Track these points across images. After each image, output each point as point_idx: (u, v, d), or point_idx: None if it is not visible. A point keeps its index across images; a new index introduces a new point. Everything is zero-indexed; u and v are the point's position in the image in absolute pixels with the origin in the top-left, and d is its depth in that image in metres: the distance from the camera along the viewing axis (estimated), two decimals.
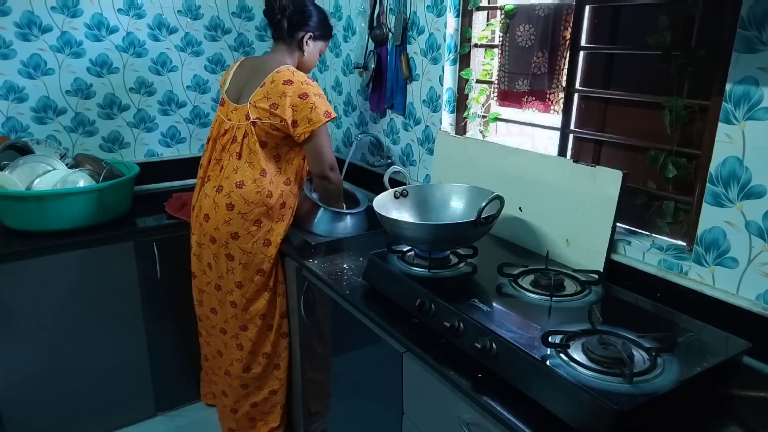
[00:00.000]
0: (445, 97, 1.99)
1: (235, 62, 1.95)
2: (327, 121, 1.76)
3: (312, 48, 1.91)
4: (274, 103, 1.73)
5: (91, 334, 2.10)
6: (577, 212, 1.49)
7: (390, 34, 2.16)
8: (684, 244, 1.40)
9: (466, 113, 2.00)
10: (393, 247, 1.56)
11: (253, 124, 1.75)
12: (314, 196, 2.00)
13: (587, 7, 1.56)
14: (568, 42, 1.60)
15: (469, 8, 1.91)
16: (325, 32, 1.93)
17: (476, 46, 1.94)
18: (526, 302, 1.28)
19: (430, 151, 2.09)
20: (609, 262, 1.44)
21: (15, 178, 1.97)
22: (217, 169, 1.85)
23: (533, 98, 1.72)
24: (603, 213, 1.42)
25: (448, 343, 1.25)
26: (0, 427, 1.98)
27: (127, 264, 2.11)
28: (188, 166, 2.59)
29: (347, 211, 2.01)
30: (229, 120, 1.82)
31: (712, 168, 1.24)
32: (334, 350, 1.76)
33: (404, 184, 1.72)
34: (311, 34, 1.87)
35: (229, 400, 2.00)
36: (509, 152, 1.69)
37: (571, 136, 1.67)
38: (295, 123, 1.74)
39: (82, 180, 2.04)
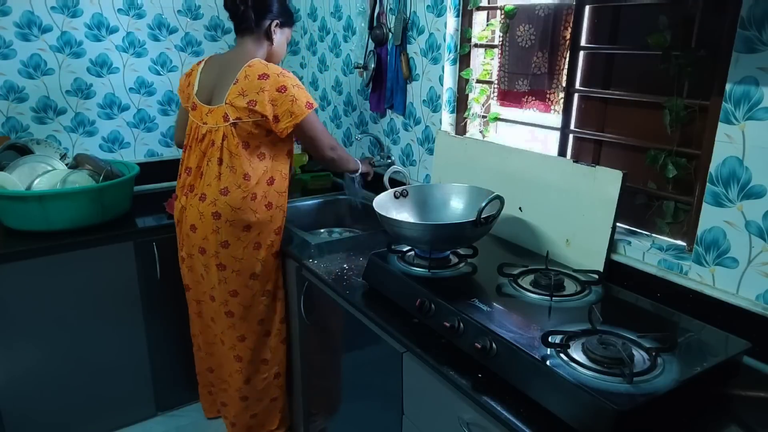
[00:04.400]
0: (445, 97, 1.99)
1: (198, 63, 1.87)
2: (309, 112, 1.71)
3: (279, 36, 1.84)
4: (252, 100, 1.65)
5: (91, 334, 2.09)
6: (577, 212, 1.49)
7: (390, 34, 2.16)
8: (684, 244, 1.40)
9: (466, 113, 2.00)
10: (393, 247, 1.56)
11: (234, 125, 1.68)
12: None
13: (587, 7, 1.56)
14: (568, 42, 1.60)
15: (469, 8, 1.90)
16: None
17: (476, 46, 1.94)
18: (526, 302, 1.28)
19: (430, 151, 2.09)
20: (609, 262, 1.44)
21: (15, 178, 1.97)
22: (197, 176, 1.79)
23: (533, 98, 1.72)
24: (603, 213, 1.42)
25: (448, 343, 1.25)
26: (0, 426, 1.98)
27: (127, 264, 2.11)
28: None
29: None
30: (205, 123, 1.73)
31: (712, 168, 1.24)
32: (334, 350, 1.76)
33: (404, 184, 1.72)
34: (277, 21, 1.80)
35: (229, 413, 1.99)
36: (509, 152, 1.69)
37: (571, 136, 1.67)
38: (276, 118, 1.68)
39: (81, 180, 2.04)
